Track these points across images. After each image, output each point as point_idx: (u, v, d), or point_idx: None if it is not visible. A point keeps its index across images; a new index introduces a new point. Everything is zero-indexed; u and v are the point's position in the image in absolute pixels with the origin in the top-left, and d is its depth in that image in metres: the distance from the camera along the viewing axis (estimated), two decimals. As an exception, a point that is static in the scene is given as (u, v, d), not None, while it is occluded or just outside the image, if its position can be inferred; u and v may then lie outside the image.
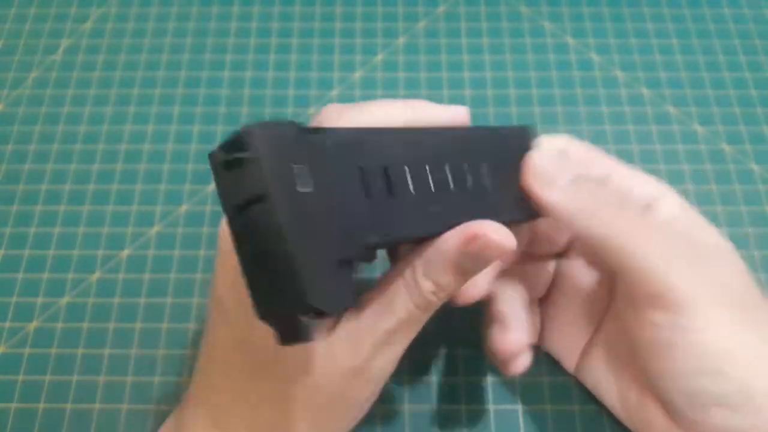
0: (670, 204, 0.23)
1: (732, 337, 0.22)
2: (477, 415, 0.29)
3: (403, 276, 0.21)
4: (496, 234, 0.19)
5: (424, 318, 0.21)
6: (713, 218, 0.30)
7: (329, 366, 0.21)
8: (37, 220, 0.34)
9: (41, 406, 0.29)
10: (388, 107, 0.22)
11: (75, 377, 0.30)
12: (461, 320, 0.31)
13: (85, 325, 0.31)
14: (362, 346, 0.21)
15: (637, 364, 0.25)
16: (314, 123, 0.21)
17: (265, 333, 0.17)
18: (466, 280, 0.21)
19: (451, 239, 0.20)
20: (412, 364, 0.30)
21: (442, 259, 0.20)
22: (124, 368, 0.30)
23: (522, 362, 0.26)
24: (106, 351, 0.30)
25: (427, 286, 0.20)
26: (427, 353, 0.30)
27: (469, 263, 0.20)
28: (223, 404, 0.23)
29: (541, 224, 0.26)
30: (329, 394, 0.22)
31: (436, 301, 0.21)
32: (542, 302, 0.28)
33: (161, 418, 0.26)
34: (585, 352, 0.27)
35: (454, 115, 0.23)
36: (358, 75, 0.38)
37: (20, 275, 0.32)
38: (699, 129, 0.36)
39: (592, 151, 0.25)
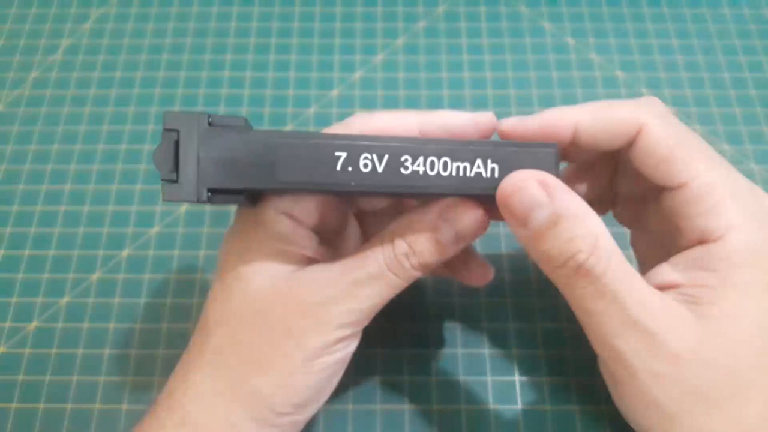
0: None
1: None
2: (477, 414, 0.29)
3: (382, 237, 0.22)
4: (472, 213, 0.21)
5: (392, 281, 0.22)
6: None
7: (287, 297, 0.22)
8: (37, 220, 0.34)
9: (41, 406, 0.29)
10: (399, 114, 0.23)
11: (75, 377, 0.30)
12: (461, 319, 0.31)
13: (85, 325, 0.31)
14: (323, 285, 0.22)
15: None
16: (343, 124, 0.23)
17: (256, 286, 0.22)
18: (439, 254, 0.22)
19: (435, 207, 0.22)
20: (412, 364, 0.30)
21: (420, 225, 0.22)
22: (124, 368, 0.30)
23: None
24: (106, 351, 0.30)
25: (401, 247, 0.22)
26: (427, 353, 0.30)
27: (445, 234, 0.22)
28: (225, 351, 0.23)
29: None
30: (283, 329, 0.22)
31: (407, 267, 0.22)
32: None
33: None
34: None
35: (466, 122, 0.23)
36: (358, 75, 0.38)
37: (20, 275, 0.32)
38: (699, 129, 0.36)
39: None
